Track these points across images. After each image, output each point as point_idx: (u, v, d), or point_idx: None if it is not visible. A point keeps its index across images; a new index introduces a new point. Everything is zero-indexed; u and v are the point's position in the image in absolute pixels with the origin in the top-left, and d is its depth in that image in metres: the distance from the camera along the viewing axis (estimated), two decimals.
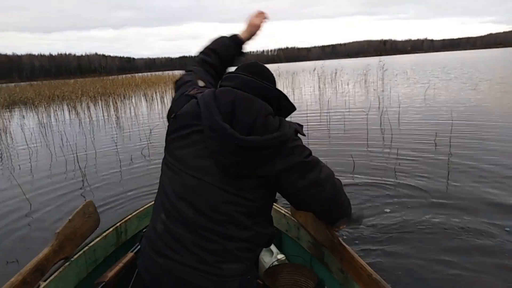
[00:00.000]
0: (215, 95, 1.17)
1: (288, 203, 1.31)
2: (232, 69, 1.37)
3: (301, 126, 1.25)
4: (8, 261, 2.75)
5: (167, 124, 1.31)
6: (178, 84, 1.41)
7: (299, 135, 1.21)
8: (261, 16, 1.59)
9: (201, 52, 1.53)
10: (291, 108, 1.28)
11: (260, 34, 1.60)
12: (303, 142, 1.21)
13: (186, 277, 1.08)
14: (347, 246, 1.36)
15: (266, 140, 1.10)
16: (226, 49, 1.53)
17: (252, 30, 1.58)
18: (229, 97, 1.16)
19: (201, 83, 1.35)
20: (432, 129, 5.74)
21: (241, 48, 1.58)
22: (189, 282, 1.08)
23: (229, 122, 1.12)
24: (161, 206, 1.19)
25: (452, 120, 5.98)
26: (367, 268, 1.21)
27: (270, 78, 1.29)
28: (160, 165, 1.29)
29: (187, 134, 1.19)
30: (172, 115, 1.25)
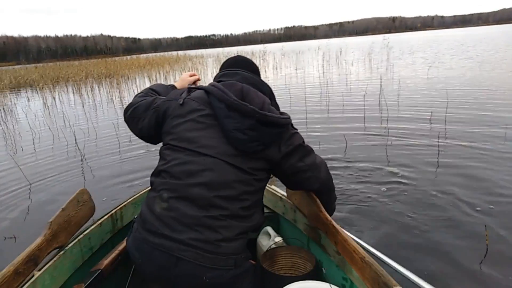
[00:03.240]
0: (224, 86, 1.27)
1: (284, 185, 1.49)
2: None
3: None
4: (6, 237, 2.90)
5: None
6: (144, 105, 1.44)
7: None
8: (194, 77, 1.79)
9: (142, 91, 1.62)
10: (277, 107, 1.38)
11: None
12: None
13: (180, 255, 1.10)
14: (340, 228, 1.35)
15: (280, 118, 1.23)
16: (166, 92, 1.61)
17: (184, 85, 1.72)
18: (236, 87, 1.28)
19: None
20: (428, 111, 5.69)
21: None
22: (182, 259, 1.11)
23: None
24: (163, 186, 1.21)
25: (447, 101, 5.96)
26: (360, 250, 1.20)
27: (257, 68, 1.52)
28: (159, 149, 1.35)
29: (197, 118, 1.26)
30: (180, 102, 1.31)
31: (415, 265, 2.14)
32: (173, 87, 1.70)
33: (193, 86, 1.39)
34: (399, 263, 1.38)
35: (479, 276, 2.04)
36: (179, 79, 1.79)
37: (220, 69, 1.50)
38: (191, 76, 1.79)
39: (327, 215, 1.43)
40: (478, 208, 2.72)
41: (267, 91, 1.40)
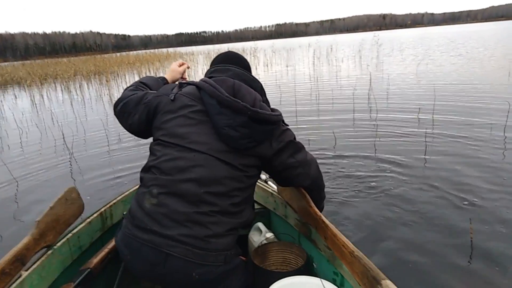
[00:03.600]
0: (215, 82, 1.25)
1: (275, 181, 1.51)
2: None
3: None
4: None
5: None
6: (134, 100, 1.42)
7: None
8: (183, 66, 1.78)
9: (132, 85, 1.59)
10: (267, 103, 1.37)
11: (179, 79, 1.80)
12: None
13: (169, 251, 1.10)
14: (329, 223, 1.36)
15: (272, 115, 1.23)
16: (157, 85, 1.61)
17: (173, 76, 1.74)
18: (228, 83, 1.26)
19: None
20: (416, 106, 5.77)
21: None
22: (171, 255, 1.10)
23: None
24: (153, 182, 1.19)
25: (434, 96, 6.02)
26: (349, 245, 1.20)
27: (248, 64, 1.51)
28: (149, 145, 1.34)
29: (188, 114, 1.25)
30: (171, 98, 1.29)
31: (400, 258, 2.17)
32: (163, 79, 1.69)
33: (184, 81, 1.39)
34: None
35: (463, 269, 2.06)
36: (169, 70, 1.76)
37: (211, 65, 1.47)
38: (180, 65, 1.77)
39: (317, 210, 1.43)
40: (464, 203, 2.75)
41: (257, 87, 1.38)
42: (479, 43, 20.49)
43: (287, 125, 1.36)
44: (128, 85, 1.61)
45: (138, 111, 1.38)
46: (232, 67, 1.38)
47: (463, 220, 2.49)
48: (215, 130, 1.21)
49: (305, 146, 1.41)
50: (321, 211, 1.44)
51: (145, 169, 1.27)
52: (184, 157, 1.19)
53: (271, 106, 1.34)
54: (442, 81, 8.22)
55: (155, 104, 1.33)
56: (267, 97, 1.43)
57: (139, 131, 1.44)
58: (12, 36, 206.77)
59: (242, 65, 1.45)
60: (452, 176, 3.22)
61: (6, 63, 44.00)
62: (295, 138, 1.35)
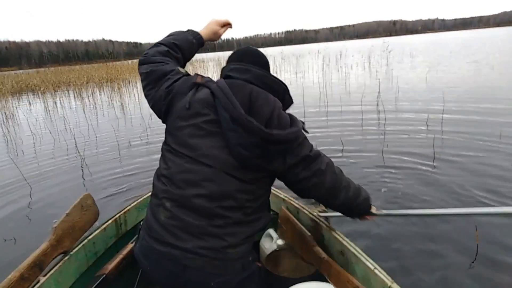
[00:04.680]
0: (231, 87, 1.18)
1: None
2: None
3: (303, 122, 1.30)
4: (6, 239, 2.89)
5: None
6: (158, 73, 1.33)
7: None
8: (227, 27, 1.61)
9: (165, 45, 1.45)
10: (291, 101, 1.33)
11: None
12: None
13: (187, 263, 1.10)
14: (331, 261, 1.39)
15: (288, 134, 1.15)
16: (191, 48, 1.50)
17: (213, 38, 1.58)
18: (245, 90, 1.19)
19: (183, 70, 1.36)
20: (424, 114, 5.69)
21: (199, 47, 1.58)
22: (189, 267, 1.10)
23: (248, 113, 1.15)
24: (164, 194, 1.18)
25: (443, 104, 5.96)
26: (354, 281, 1.23)
27: (269, 65, 1.39)
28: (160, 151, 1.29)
29: (200, 123, 1.18)
30: (186, 105, 1.20)
31: (405, 264, 2.17)
32: (198, 38, 1.52)
33: (200, 82, 1.25)
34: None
35: (469, 273, 2.07)
36: (208, 27, 1.56)
37: (229, 61, 1.37)
38: (223, 26, 1.58)
39: (320, 250, 1.46)
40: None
41: (280, 89, 1.28)
42: (494, 49, 20.19)
43: (306, 133, 1.28)
44: (142, 87, 1.43)
45: (158, 87, 1.31)
46: (252, 68, 1.26)
47: (469, 227, 2.46)
48: (227, 144, 1.16)
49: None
50: (359, 206, 1.35)
51: (157, 177, 1.26)
52: (193, 169, 1.16)
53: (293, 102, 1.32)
54: (458, 88, 8.02)
55: (171, 98, 1.27)
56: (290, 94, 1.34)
57: (154, 106, 1.34)
58: (27, 44, 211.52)
59: (262, 63, 1.35)
60: (459, 183, 3.20)
61: (21, 71, 45.00)
62: (312, 150, 1.25)
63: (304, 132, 1.26)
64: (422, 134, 4.72)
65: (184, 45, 1.47)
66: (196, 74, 1.31)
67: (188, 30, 1.52)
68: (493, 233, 2.40)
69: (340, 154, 4.22)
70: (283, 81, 1.31)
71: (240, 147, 1.13)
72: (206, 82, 1.24)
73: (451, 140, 4.34)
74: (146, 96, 1.37)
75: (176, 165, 1.19)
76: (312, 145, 1.27)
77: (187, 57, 1.51)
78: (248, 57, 1.34)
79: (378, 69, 13.81)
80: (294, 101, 1.35)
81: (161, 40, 1.48)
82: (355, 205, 1.35)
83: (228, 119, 1.13)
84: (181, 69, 1.35)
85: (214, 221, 1.13)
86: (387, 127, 5.17)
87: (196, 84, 1.25)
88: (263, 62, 1.36)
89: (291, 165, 1.21)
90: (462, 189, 3.09)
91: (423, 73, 11.20)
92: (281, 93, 1.28)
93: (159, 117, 1.34)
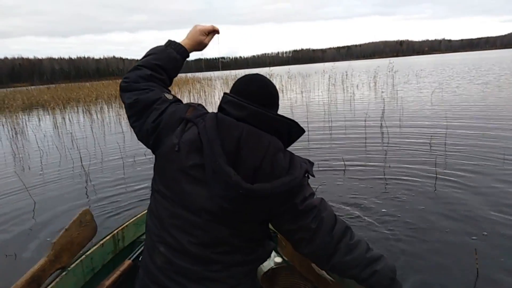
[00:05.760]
0: (219, 128, 1.07)
1: None
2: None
3: (312, 164, 1.15)
4: (7, 254, 2.93)
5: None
6: (142, 104, 1.21)
7: (308, 175, 1.13)
8: (212, 34, 1.47)
9: (147, 67, 1.31)
10: (301, 132, 1.18)
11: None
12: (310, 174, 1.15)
13: None
14: (332, 280, 1.39)
15: (275, 188, 1.03)
16: (175, 66, 1.38)
17: (198, 49, 1.46)
18: (234, 132, 1.07)
19: (169, 96, 1.24)
20: (428, 136, 5.74)
21: (185, 60, 1.45)
22: None
23: (233, 161, 1.05)
24: (158, 238, 1.14)
25: (446, 128, 5.98)
26: None
27: (276, 99, 1.23)
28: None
29: (187, 169, 1.09)
30: (175, 148, 1.10)
31: (407, 285, 2.16)
32: (182, 52, 1.38)
33: (189, 117, 1.14)
34: None
35: None
36: (191, 36, 1.42)
37: (232, 88, 1.22)
38: (207, 34, 1.44)
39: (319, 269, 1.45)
40: (473, 237, 2.72)
41: (282, 127, 1.14)
42: (504, 71, 20.06)
43: (312, 176, 1.12)
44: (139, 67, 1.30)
45: (144, 118, 1.21)
46: (249, 104, 1.11)
47: (469, 251, 2.46)
48: (211, 194, 1.07)
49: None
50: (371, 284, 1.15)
51: (149, 213, 1.21)
52: (182, 216, 1.10)
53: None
54: (470, 112, 7.81)
55: (159, 134, 1.17)
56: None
57: (141, 136, 1.25)
58: (39, 61, 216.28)
59: (266, 95, 1.18)
60: (462, 207, 3.18)
61: (32, 87, 45.81)
62: (305, 200, 1.10)
63: (305, 170, 1.11)
64: (424, 157, 4.74)
65: (168, 64, 1.34)
66: (188, 105, 1.20)
67: (169, 44, 1.37)
68: (492, 256, 2.41)
69: (342, 169, 4.25)
70: (288, 117, 1.16)
71: (222, 200, 1.05)
72: (195, 119, 1.13)
73: (454, 162, 4.35)
74: (132, 127, 1.26)
75: (164, 208, 1.13)
76: (310, 194, 1.13)
77: (173, 76, 1.39)
78: (251, 88, 1.17)
79: (384, 89, 13.87)
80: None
81: (142, 62, 1.33)
82: (362, 278, 1.15)
83: (210, 169, 1.04)
84: (167, 96, 1.23)
85: (211, 266, 1.10)
86: (389, 147, 5.20)
87: (186, 119, 1.14)
88: (268, 94, 1.19)
89: (274, 215, 1.12)
90: (464, 209, 3.10)
91: (429, 94, 11.26)
92: (285, 130, 1.14)
93: (148, 148, 1.25)
